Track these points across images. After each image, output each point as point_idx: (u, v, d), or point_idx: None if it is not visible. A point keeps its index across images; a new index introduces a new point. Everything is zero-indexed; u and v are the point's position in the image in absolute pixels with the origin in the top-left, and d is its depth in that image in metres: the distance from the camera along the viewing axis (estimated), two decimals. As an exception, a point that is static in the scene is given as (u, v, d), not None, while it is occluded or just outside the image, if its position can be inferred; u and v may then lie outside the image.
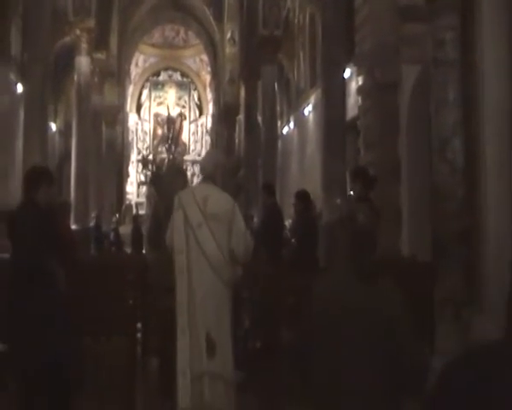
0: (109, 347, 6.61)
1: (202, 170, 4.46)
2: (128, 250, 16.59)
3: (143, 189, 29.31)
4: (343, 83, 10.15)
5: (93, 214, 15.74)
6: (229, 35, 22.29)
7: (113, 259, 11.02)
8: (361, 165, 7.33)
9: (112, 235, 16.27)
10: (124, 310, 7.07)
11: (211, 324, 4.07)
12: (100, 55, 18.14)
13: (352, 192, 7.23)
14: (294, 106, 20.91)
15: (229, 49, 22.18)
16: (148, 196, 6.27)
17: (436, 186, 5.23)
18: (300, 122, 19.93)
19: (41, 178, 4.55)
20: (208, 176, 4.36)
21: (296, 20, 20.17)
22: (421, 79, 8.26)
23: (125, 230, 18.88)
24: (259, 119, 17.31)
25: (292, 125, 21.47)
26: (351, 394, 2.44)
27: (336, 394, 2.48)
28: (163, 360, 5.48)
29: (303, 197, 7.29)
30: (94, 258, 10.89)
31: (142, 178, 29.62)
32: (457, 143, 5.11)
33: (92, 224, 15.29)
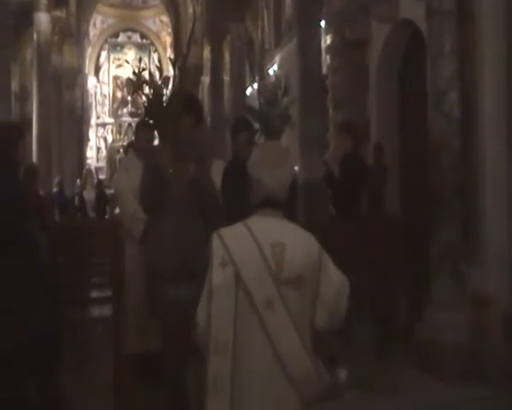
0: (85, 316, 6.39)
1: (265, 189, 2.28)
2: (92, 215, 16.30)
3: (103, 153, 28.69)
4: (319, 37, 9.94)
5: (56, 179, 15.29)
6: (191, -6, 21.70)
7: (93, 224, 10.69)
8: (348, 120, 7.20)
9: (76, 200, 15.87)
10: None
11: None
12: (59, 13, 17.30)
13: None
14: (258, 66, 20.59)
15: (192, 9, 21.59)
16: (142, 138, 5.07)
17: (433, 139, 5.16)
18: (265, 83, 19.66)
19: (19, 135, 4.19)
20: (277, 202, 2.29)
21: (260, -21, 19.74)
22: (390, 37, 8.15)
23: (88, 195, 18.51)
24: (225, 79, 16.97)
25: (256, 85, 21.17)
26: None
27: None
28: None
29: None
30: (76, 222, 10.57)
31: (102, 143, 28.99)
32: (454, 95, 5.03)
33: (56, 189, 14.86)
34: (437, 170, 5.10)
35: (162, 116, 3.99)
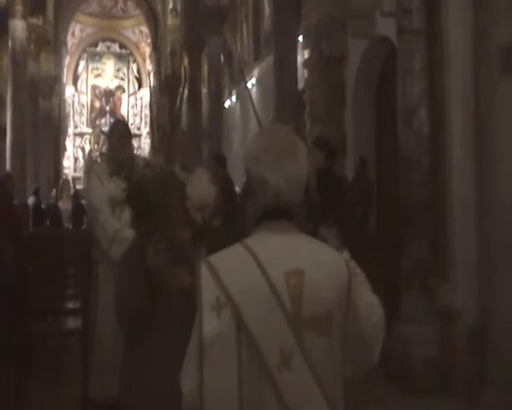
0: (57, 327, 6.33)
1: (270, 192, 1.56)
2: (67, 226, 16.17)
3: (81, 163, 28.51)
4: (295, 53, 10.04)
5: (33, 187, 15.13)
6: (171, 5, 21.75)
7: (68, 234, 10.61)
8: (322, 135, 7.26)
9: (51, 210, 15.74)
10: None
11: None
12: (36, 21, 17.20)
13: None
14: (237, 79, 20.67)
15: (171, 21, 21.65)
16: (115, 144, 4.12)
17: (402, 156, 5.23)
18: (243, 96, 19.72)
19: None
20: (289, 209, 1.60)
21: (239, -8, 19.85)
22: (367, 53, 8.26)
23: (63, 205, 18.38)
24: (203, 91, 17.03)
25: (234, 98, 21.24)
26: None
27: None
28: None
29: None
30: (50, 232, 10.48)
31: (80, 153, 28.81)
32: (423, 113, 5.11)
33: (31, 199, 14.70)
34: (407, 186, 5.18)
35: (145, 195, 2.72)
